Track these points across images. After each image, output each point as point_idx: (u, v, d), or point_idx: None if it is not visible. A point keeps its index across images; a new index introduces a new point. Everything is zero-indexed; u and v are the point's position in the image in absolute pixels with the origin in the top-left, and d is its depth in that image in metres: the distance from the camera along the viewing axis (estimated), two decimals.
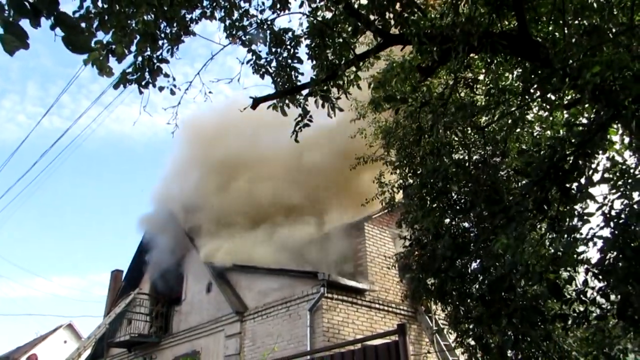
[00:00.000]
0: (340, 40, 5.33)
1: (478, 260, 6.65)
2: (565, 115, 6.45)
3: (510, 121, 6.60)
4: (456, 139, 6.34)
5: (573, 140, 3.43)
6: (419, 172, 7.11)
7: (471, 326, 8.26)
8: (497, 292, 5.11)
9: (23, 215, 68.56)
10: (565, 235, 3.78)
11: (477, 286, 6.21)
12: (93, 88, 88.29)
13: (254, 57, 5.60)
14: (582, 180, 3.45)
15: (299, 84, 5.69)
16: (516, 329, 4.70)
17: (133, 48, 4.85)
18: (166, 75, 5.42)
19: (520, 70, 5.78)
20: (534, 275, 3.36)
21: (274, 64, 5.80)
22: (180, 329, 14.81)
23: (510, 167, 6.89)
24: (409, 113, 8.95)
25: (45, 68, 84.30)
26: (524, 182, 5.19)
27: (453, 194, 8.21)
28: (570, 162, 3.38)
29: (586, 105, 4.57)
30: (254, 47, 5.66)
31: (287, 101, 5.54)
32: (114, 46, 4.20)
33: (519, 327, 4.52)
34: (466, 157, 6.96)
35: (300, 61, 5.75)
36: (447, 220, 8.49)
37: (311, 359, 6.53)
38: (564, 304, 3.68)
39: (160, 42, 5.32)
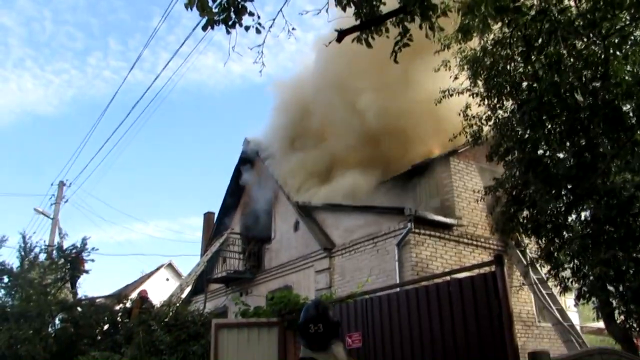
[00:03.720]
0: None
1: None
2: None
3: (616, 40, 6.04)
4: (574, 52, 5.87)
5: None
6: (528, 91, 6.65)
7: (568, 258, 8.03)
8: (626, 214, 4.86)
9: (119, 165, 73.60)
10: None
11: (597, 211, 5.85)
12: (169, 39, 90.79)
13: None
14: None
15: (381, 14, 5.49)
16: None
17: None
18: (251, 14, 5.43)
19: None
20: None
21: None
22: (272, 266, 15.55)
23: (615, 87, 6.37)
24: (497, 40, 8.46)
25: (123, 22, 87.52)
26: None
27: (548, 124, 7.79)
28: None
29: None
30: None
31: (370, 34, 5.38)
32: None
33: None
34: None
35: None
36: (541, 151, 8.12)
37: (402, 291, 6.63)
38: None
39: None
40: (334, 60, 14.27)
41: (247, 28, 5.50)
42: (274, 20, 5.88)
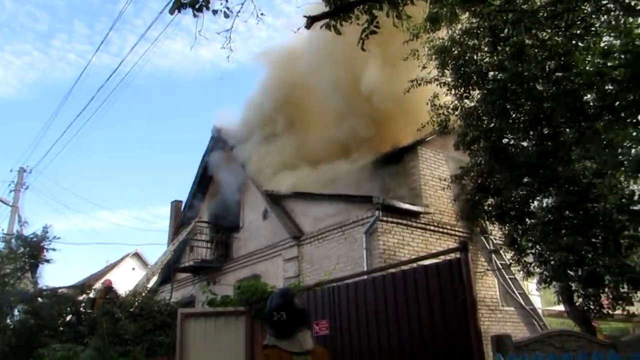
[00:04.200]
0: None
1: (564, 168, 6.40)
2: None
3: (579, 31, 6.17)
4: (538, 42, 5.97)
5: None
6: (490, 83, 6.75)
7: (531, 244, 8.25)
8: (586, 200, 5.00)
9: (83, 151, 71.77)
10: None
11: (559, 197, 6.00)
12: (137, 23, 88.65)
13: None
14: None
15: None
16: (598, 238, 4.61)
17: None
18: None
19: None
20: None
21: None
22: (240, 255, 15.47)
23: (576, 76, 6.51)
24: (465, 30, 8.54)
25: (90, 5, 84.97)
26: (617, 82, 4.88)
27: (512, 113, 7.93)
28: None
29: None
30: None
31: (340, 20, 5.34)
32: None
33: (602, 235, 4.42)
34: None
35: None
36: (505, 140, 8.27)
37: (370, 278, 6.69)
38: None
39: None
40: (312, 43, 14.18)
41: (215, 12, 5.39)
42: (242, 4, 5.79)
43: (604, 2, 5.59)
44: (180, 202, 19.90)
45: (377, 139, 13.98)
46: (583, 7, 6.13)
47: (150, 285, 17.31)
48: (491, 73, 7.97)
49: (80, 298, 14.38)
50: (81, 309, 13.82)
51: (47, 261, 15.45)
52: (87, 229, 64.33)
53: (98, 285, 15.93)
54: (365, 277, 6.94)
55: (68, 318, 13.80)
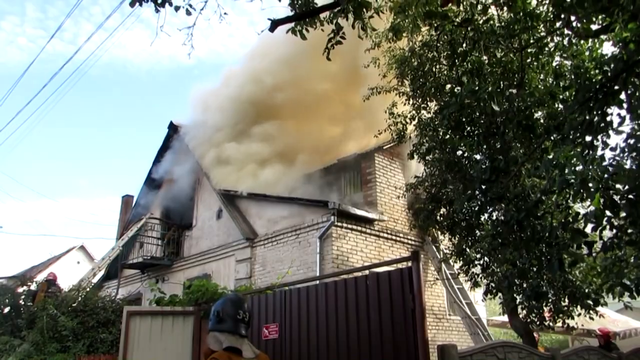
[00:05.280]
0: None
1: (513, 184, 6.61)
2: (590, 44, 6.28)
3: (533, 50, 6.40)
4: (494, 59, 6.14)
5: (625, 58, 3.29)
6: (448, 96, 6.89)
7: (478, 256, 8.47)
8: (532, 217, 5.13)
9: (32, 139, 68.90)
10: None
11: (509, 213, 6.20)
12: (93, 11, 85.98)
13: None
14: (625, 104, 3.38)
15: (316, 6, 5.46)
16: (542, 254, 4.76)
17: None
18: None
19: None
20: (592, 191, 3.31)
21: None
22: (192, 253, 15.22)
23: (529, 96, 6.74)
24: (425, 42, 8.70)
25: None
26: (568, 103, 5.08)
27: (467, 126, 8.13)
28: (619, 82, 3.27)
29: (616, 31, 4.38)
30: None
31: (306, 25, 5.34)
32: None
33: (546, 251, 4.57)
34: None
35: None
36: (460, 152, 8.48)
37: (322, 284, 6.70)
38: (595, 230, 3.70)
39: None
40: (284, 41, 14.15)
41: (177, 8, 5.31)
42: (205, 2, 5.71)
43: (558, 25, 5.82)
44: (132, 196, 19.47)
45: (340, 144, 14.07)
46: (538, 29, 6.37)
47: (95, 280, 16.79)
48: (448, 86, 8.15)
49: (20, 290, 13.78)
50: (21, 301, 13.25)
51: None
52: (31, 220, 61.73)
53: (40, 277, 15.33)
54: (317, 282, 6.94)
55: (6, 310, 13.21)
